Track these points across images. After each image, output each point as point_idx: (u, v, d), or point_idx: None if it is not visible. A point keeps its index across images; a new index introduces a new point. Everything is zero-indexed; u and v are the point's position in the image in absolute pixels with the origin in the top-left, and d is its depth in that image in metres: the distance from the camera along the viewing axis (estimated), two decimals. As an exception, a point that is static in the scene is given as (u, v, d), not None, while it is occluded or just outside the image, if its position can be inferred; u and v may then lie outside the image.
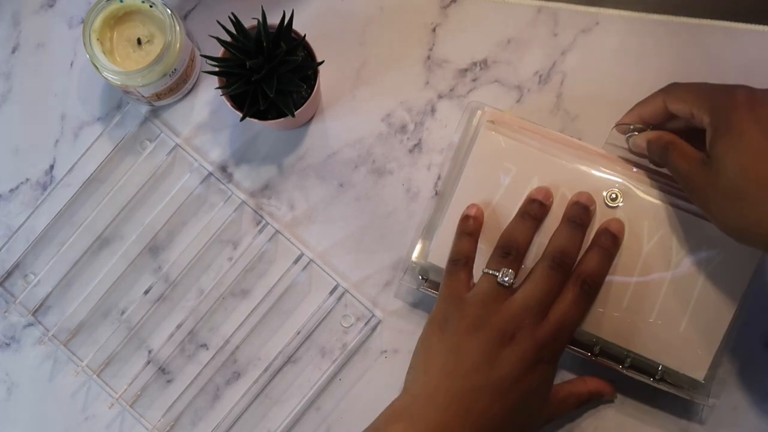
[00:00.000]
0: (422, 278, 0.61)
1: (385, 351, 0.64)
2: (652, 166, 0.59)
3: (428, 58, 0.65)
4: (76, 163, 0.66)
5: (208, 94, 0.66)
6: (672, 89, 0.55)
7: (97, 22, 0.60)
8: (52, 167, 0.66)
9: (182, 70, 0.62)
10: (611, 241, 0.57)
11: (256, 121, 0.59)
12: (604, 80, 0.65)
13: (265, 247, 0.65)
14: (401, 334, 0.63)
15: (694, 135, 0.54)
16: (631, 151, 0.60)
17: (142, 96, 0.63)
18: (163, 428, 0.64)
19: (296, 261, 0.64)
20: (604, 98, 0.64)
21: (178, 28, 0.60)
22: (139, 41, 0.62)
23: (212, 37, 0.58)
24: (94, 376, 0.64)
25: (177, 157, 0.66)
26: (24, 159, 0.66)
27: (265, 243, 0.65)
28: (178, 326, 0.64)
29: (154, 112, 0.66)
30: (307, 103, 0.59)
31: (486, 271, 0.56)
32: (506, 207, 0.59)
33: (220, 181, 0.65)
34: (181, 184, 0.65)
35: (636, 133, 0.58)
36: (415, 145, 0.65)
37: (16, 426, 0.65)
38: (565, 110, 0.65)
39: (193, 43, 0.65)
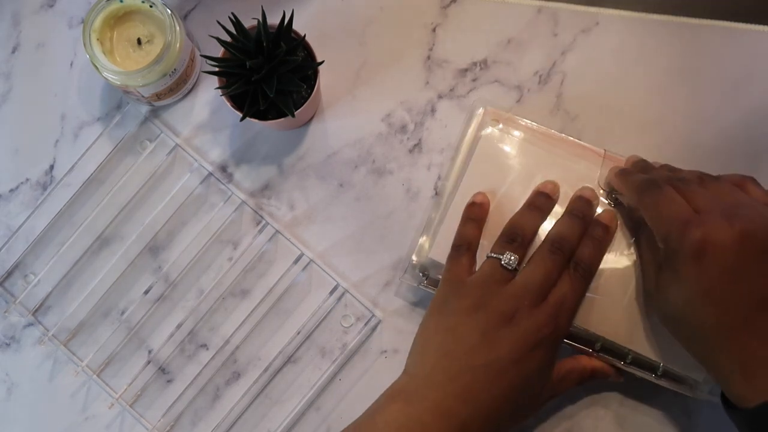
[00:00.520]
0: (423, 275, 0.61)
1: (385, 351, 0.64)
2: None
3: (428, 58, 0.65)
4: (76, 163, 0.66)
5: (208, 94, 0.66)
6: (644, 196, 0.54)
7: (97, 22, 0.60)
8: (52, 167, 0.66)
9: (182, 70, 0.62)
10: (603, 230, 0.58)
11: (256, 121, 0.59)
12: (604, 80, 0.65)
13: (265, 247, 0.65)
14: (401, 334, 0.63)
15: None
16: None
17: (142, 96, 0.63)
18: (163, 428, 0.64)
19: (296, 261, 0.64)
20: (604, 98, 0.64)
21: (178, 28, 0.60)
22: (139, 41, 0.62)
23: (212, 37, 0.58)
24: (94, 376, 0.64)
25: (177, 157, 0.66)
26: (24, 159, 0.66)
27: (265, 243, 0.65)
28: (178, 326, 0.64)
29: (154, 112, 0.66)
30: (307, 103, 0.59)
31: (490, 255, 0.57)
32: (509, 204, 0.59)
33: (220, 181, 0.65)
34: (181, 184, 0.65)
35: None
36: (415, 145, 0.65)
37: (16, 426, 0.65)
38: (565, 110, 0.65)
39: (193, 43, 0.65)
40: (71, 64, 0.67)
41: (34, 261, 0.65)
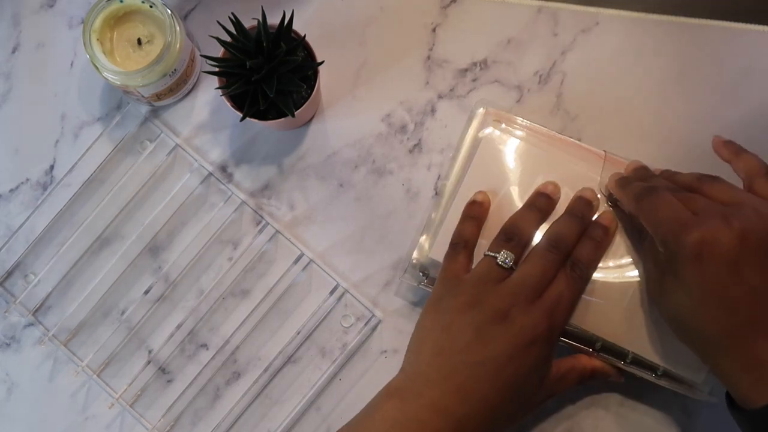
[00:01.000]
0: (423, 275, 0.61)
1: (385, 351, 0.64)
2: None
3: (428, 58, 0.65)
4: (76, 163, 0.66)
5: (208, 94, 0.66)
6: (642, 202, 0.54)
7: (97, 22, 0.60)
8: (52, 167, 0.66)
9: (182, 70, 0.62)
10: (602, 231, 0.58)
11: (256, 121, 0.59)
12: (604, 80, 0.65)
13: (265, 247, 0.65)
14: (401, 334, 0.63)
15: None
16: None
17: (142, 96, 0.63)
18: (163, 428, 0.64)
19: (296, 261, 0.64)
20: (604, 98, 0.64)
21: (178, 28, 0.60)
22: (139, 41, 0.62)
23: (212, 37, 0.58)
24: (94, 376, 0.64)
25: (177, 157, 0.66)
26: (24, 159, 0.66)
27: (265, 243, 0.65)
28: (178, 326, 0.64)
29: (154, 112, 0.66)
30: (307, 103, 0.59)
31: (487, 253, 0.57)
32: (510, 205, 0.59)
33: (220, 181, 0.65)
34: (181, 184, 0.65)
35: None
36: (415, 145, 0.65)
37: (16, 426, 0.65)
38: (565, 110, 0.65)
39: (193, 43, 0.65)
40: (71, 64, 0.67)
41: (34, 261, 0.65)
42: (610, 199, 0.59)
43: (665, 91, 0.64)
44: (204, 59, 0.61)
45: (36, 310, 0.65)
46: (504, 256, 0.56)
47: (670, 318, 0.54)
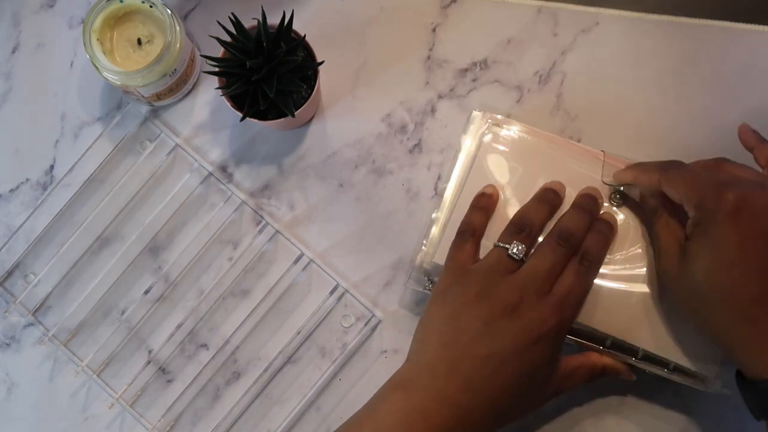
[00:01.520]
0: (428, 280, 0.61)
1: (385, 351, 0.64)
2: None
3: (428, 58, 0.66)
4: (76, 163, 0.66)
5: (208, 94, 0.66)
6: (669, 171, 0.54)
7: (97, 22, 0.60)
8: (52, 167, 0.66)
9: (182, 70, 0.62)
10: (607, 227, 0.58)
11: (256, 121, 0.59)
12: (604, 80, 0.65)
13: (265, 247, 0.65)
14: (401, 334, 0.63)
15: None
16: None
17: (142, 96, 0.63)
18: (163, 428, 0.64)
19: (296, 261, 0.64)
20: (604, 98, 0.64)
21: (178, 28, 0.60)
22: (139, 41, 0.62)
23: (212, 37, 0.58)
24: (94, 376, 0.64)
25: (177, 157, 0.66)
26: (24, 159, 0.66)
27: (265, 243, 0.65)
28: (178, 326, 0.64)
29: (154, 112, 0.66)
30: (307, 103, 0.59)
31: (497, 244, 0.56)
32: (512, 208, 0.59)
33: (220, 181, 0.65)
34: (181, 184, 0.65)
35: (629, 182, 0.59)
36: (415, 145, 0.65)
37: (16, 426, 0.65)
38: (565, 110, 0.65)
39: (193, 43, 0.65)
40: (71, 64, 0.67)
41: (34, 261, 0.65)
42: (614, 196, 0.59)
43: (665, 90, 0.64)
44: (204, 59, 0.61)
45: (36, 310, 0.65)
46: (515, 247, 0.55)
47: (688, 289, 0.53)
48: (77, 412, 0.65)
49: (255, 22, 0.57)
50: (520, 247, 0.56)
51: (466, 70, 0.65)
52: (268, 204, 0.65)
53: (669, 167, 0.55)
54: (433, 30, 0.66)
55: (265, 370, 0.63)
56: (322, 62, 0.59)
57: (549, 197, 0.59)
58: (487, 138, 0.61)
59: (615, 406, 0.62)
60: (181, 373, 0.64)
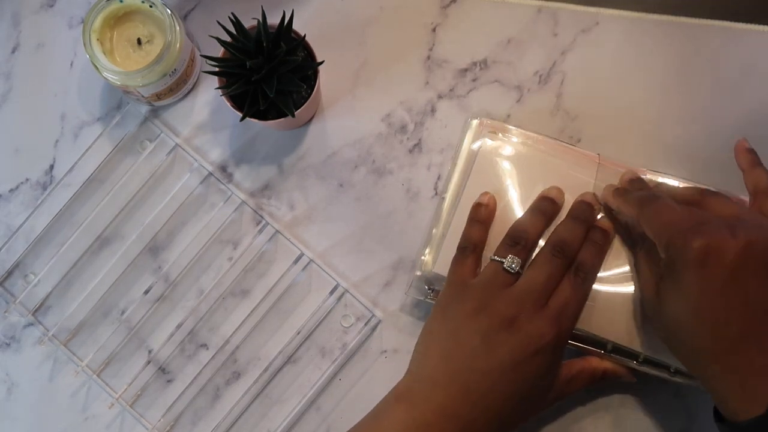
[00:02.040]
0: (429, 289, 0.61)
1: (385, 351, 0.64)
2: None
3: (428, 58, 0.65)
4: (76, 163, 0.66)
5: (208, 94, 0.66)
6: (645, 208, 0.54)
7: (97, 22, 0.60)
8: (52, 167, 0.66)
9: (182, 70, 0.62)
10: (601, 235, 0.58)
11: (256, 121, 0.59)
12: (604, 80, 0.65)
13: (265, 247, 0.65)
14: (401, 334, 0.63)
15: None
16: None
17: (142, 96, 0.63)
18: (163, 428, 0.64)
19: (296, 261, 0.64)
20: (604, 98, 0.64)
21: (178, 28, 0.60)
22: (139, 41, 0.62)
23: (212, 37, 0.58)
24: (94, 376, 0.64)
25: (177, 157, 0.66)
26: (24, 159, 0.66)
27: (265, 243, 0.65)
28: (178, 326, 0.64)
29: (154, 112, 0.66)
30: (307, 103, 0.59)
31: (493, 258, 0.57)
32: (511, 215, 0.59)
33: (220, 181, 0.65)
34: (181, 184, 0.65)
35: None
36: (415, 145, 0.65)
37: (16, 426, 0.65)
38: (565, 110, 0.65)
39: (193, 43, 0.65)
40: (71, 64, 0.67)
41: (34, 261, 0.65)
42: (606, 209, 0.59)
43: (665, 90, 0.64)
44: (204, 59, 0.61)
45: (36, 310, 0.65)
46: (510, 261, 0.56)
47: (664, 326, 0.54)
48: (77, 412, 0.65)
49: (255, 22, 0.57)
50: (515, 261, 0.56)
51: (466, 70, 0.65)
52: (268, 204, 0.65)
53: (647, 203, 0.54)
54: (433, 30, 0.66)
55: (265, 370, 0.63)
56: (322, 62, 0.59)
57: (544, 207, 0.59)
58: (484, 145, 0.61)
59: (615, 406, 0.62)
60: (181, 373, 0.64)
